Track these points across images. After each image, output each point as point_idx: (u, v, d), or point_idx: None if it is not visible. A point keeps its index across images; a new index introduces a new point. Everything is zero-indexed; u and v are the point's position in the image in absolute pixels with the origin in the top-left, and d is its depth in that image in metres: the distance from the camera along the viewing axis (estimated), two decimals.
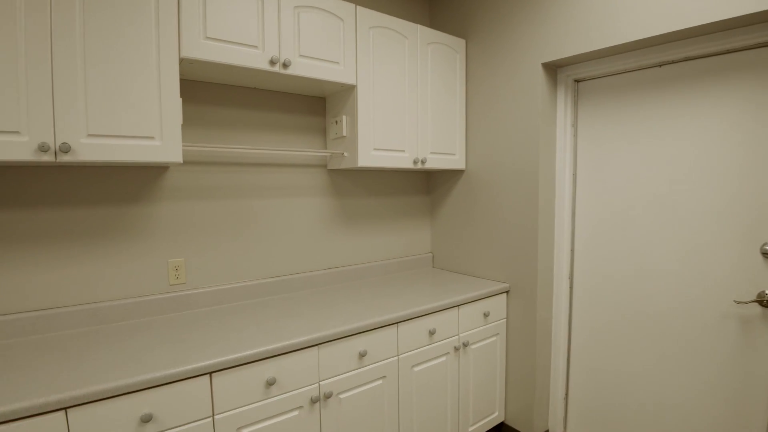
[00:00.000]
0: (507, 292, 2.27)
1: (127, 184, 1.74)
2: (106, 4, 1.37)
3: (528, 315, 2.16)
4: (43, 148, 1.28)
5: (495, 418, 2.28)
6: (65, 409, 1.13)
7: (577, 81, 2.09)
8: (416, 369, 1.90)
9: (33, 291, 1.57)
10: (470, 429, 2.16)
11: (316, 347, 1.57)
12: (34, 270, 1.57)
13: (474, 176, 2.41)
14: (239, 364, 1.40)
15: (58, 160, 1.31)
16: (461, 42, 2.36)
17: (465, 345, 2.07)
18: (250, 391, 1.43)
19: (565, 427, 2.25)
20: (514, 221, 2.20)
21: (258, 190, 2.07)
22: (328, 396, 1.60)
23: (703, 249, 1.73)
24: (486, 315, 2.16)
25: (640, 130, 1.89)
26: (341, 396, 1.66)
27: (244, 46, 1.64)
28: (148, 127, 1.47)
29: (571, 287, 2.19)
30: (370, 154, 2.03)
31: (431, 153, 2.27)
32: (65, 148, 1.31)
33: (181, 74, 1.73)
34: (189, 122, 1.87)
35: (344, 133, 2.06)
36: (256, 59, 1.68)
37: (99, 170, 1.68)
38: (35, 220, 1.56)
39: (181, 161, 1.56)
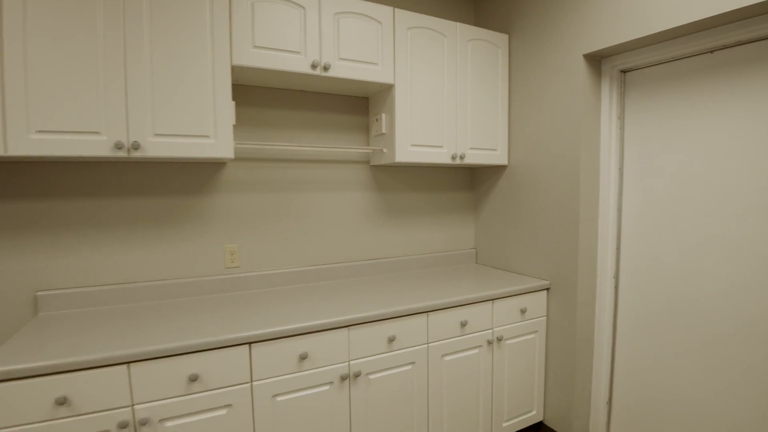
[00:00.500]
0: (547, 289, 2.23)
1: (191, 178, 1.99)
2: (169, 25, 1.59)
3: (568, 314, 2.11)
4: (118, 146, 1.53)
5: (533, 416, 2.25)
6: (128, 363, 1.35)
7: (624, 71, 2.01)
8: (447, 358, 1.95)
9: (111, 268, 1.86)
10: (505, 424, 2.15)
11: (346, 328, 1.69)
12: (110, 251, 1.86)
13: (516, 171, 2.39)
14: (275, 337, 1.56)
15: (130, 156, 1.56)
16: (504, 37, 2.36)
17: (499, 339, 2.08)
18: (284, 363, 1.58)
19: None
20: (555, 217, 2.16)
21: (304, 184, 2.24)
22: (357, 375, 1.71)
23: (763, 248, 1.59)
24: (523, 311, 2.14)
25: (692, 120, 1.77)
26: (370, 377, 1.76)
27: (287, 52, 1.81)
28: (204, 127, 1.68)
29: (616, 287, 2.10)
30: (408, 150, 2.11)
31: (471, 148, 2.30)
32: (136, 146, 1.56)
33: (233, 79, 1.95)
34: (242, 122, 2.08)
35: (383, 131, 2.17)
36: (298, 64, 1.84)
37: (167, 166, 1.94)
38: (112, 209, 1.86)
39: (233, 157, 1.75)
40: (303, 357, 1.60)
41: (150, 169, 1.92)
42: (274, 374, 1.57)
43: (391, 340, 1.78)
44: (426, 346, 1.88)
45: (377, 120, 2.22)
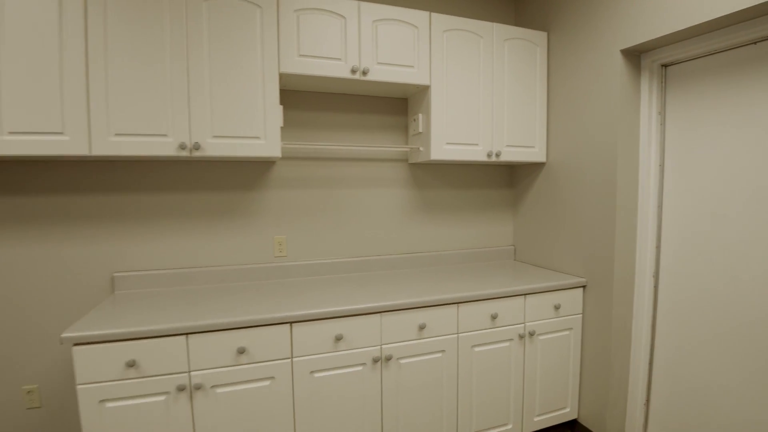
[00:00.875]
0: (584, 287, 2.22)
1: (244, 176, 2.21)
2: (224, 40, 1.80)
3: (604, 312, 2.10)
4: (182, 146, 1.76)
5: (566, 413, 2.25)
6: (186, 334, 1.56)
7: (665, 65, 1.96)
8: (477, 349, 2.01)
9: (175, 254, 2.12)
10: (536, 419, 2.18)
11: (378, 314, 1.82)
12: (175, 239, 2.12)
13: (554, 168, 2.39)
14: (314, 318, 1.71)
15: (191, 155, 1.78)
16: (542, 35, 2.37)
17: (531, 334, 2.11)
18: (322, 342, 1.74)
19: None
20: (591, 214, 2.14)
21: (346, 181, 2.39)
22: (388, 358, 1.83)
23: None
24: (557, 308, 2.15)
25: (736, 113, 1.71)
26: (401, 361, 1.87)
27: (329, 59, 1.96)
28: (255, 129, 1.88)
29: (656, 287, 2.05)
30: (443, 148, 2.20)
31: (507, 146, 2.34)
32: (197, 146, 1.78)
33: (281, 85, 2.13)
34: (289, 124, 2.27)
35: (420, 130, 2.27)
36: (339, 69, 1.98)
37: (223, 164, 2.17)
38: (177, 202, 2.11)
39: (280, 156, 1.94)
40: (338, 338, 1.75)
41: (209, 168, 2.15)
42: (312, 352, 1.73)
43: (421, 327, 1.88)
44: (456, 336, 1.96)
45: (414, 120, 2.32)
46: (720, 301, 1.79)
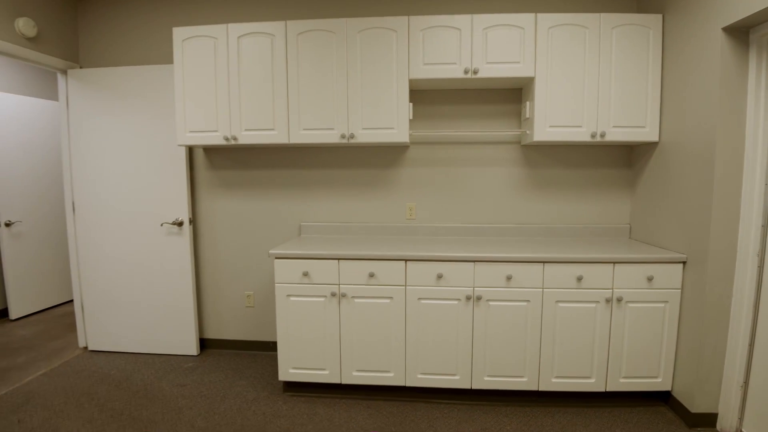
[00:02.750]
0: (683, 263, 2.29)
1: (385, 157, 2.96)
2: (371, 59, 2.53)
3: (700, 289, 2.16)
4: (342, 136, 2.58)
5: (658, 383, 2.36)
6: (338, 259, 2.39)
7: None
8: (561, 305, 2.35)
9: (338, 212, 3.02)
10: (622, 380, 2.37)
11: (472, 263, 2.34)
12: (338, 201, 3.02)
13: (666, 148, 2.45)
14: (421, 259, 2.35)
15: (348, 142, 2.60)
16: (656, 18, 2.43)
17: (619, 300, 2.31)
18: (427, 278, 2.36)
19: (741, 417, 2.12)
20: (693, 192, 2.19)
21: (465, 161, 2.92)
22: (479, 298, 2.35)
23: None
24: (650, 279, 2.29)
25: None
26: (490, 303, 2.36)
27: (446, 64, 2.52)
28: (390, 122, 2.58)
29: (760, 266, 2.02)
30: (546, 131, 2.53)
31: (613, 127, 2.50)
32: (352, 136, 2.58)
33: (411, 87, 2.78)
34: (420, 117, 2.91)
35: (527, 115, 2.63)
36: (454, 71, 2.52)
37: (370, 149, 2.95)
38: (339, 176, 2.99)
39: (408, 141, 2.60)
40: (439, 276, 2.35)
41: (359, 151, 2.97)
42: (420, 283, 2.37)
43: (508, 278, 2.33)
44: (541, 290, 2.34)
45: (524, 107, 2.69)
46: None
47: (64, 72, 3.05)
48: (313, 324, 2.46)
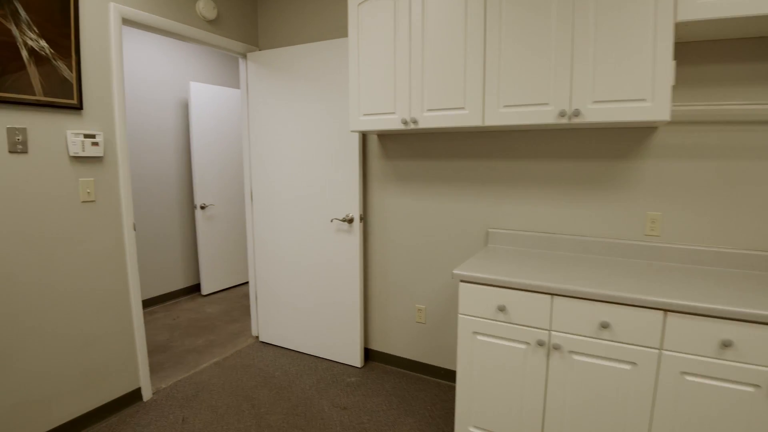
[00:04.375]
0: None
1: (617, 144, 2.05)
2: (613, 3, 1.67)
3: None
4: (561, 114, 1.79)
5: None
6: (551, 294, 1.64)
7: None
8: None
9: (538, 218, 2.24)
10: None
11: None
12: (539, 204, 2.22)
13: None
14: (696, 313, 1.45)
15: (570, 122, 1.79)
16: None
17: None
18: (700, 343, 1.45)
19: None
20: None
21: (752, 151, 1.83)
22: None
23: None
24: None
25: None
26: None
27: None
28: (639, 91, 1.68)
29: None
30: None
31: None
32: (576, 113, 1.77)
33: (675, 38, 1.80)
34: (677, 83, 1.91)
35: None
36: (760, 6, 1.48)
37: (594, 132, 2.08)
38: (543, 169, 2.19)
39: (668, 119, 1.67)
40: (725, 345, 1.41)
41: (578, 136, 2.11)
42: (687, 350, 1.47)
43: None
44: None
45: None
46: None
47: (244, 56, 2.94)
48: (507, 377, 1.78)
